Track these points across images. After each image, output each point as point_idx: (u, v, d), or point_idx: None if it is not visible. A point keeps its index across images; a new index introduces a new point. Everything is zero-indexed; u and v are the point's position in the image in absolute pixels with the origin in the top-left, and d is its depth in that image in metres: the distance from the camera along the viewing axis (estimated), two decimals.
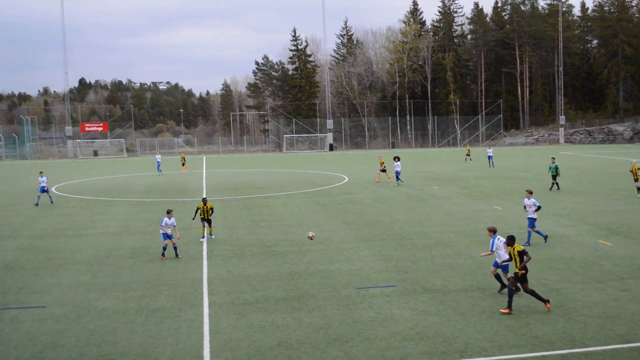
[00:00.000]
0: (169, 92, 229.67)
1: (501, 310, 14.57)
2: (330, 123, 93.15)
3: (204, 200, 23.52)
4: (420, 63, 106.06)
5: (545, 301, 14.73)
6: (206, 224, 23.49)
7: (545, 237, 22.14)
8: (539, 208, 22.10)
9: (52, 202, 34.99)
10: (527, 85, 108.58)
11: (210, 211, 23.29)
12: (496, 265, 16.21)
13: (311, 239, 19.71)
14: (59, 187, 44.26)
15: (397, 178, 40.76)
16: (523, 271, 14.71)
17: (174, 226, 20.76)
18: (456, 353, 12.26)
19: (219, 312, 14.97)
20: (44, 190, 34.92)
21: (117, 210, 32.34)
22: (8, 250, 22.59)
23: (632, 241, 22.14)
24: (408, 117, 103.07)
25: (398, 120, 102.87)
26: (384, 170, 42.96)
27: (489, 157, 54.28)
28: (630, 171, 33.03)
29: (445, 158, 66.76)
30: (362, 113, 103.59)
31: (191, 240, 23.62)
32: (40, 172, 36.05)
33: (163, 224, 20.56)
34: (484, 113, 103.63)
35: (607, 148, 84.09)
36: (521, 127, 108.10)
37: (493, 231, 16.37)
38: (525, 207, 22.37)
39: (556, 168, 35.96)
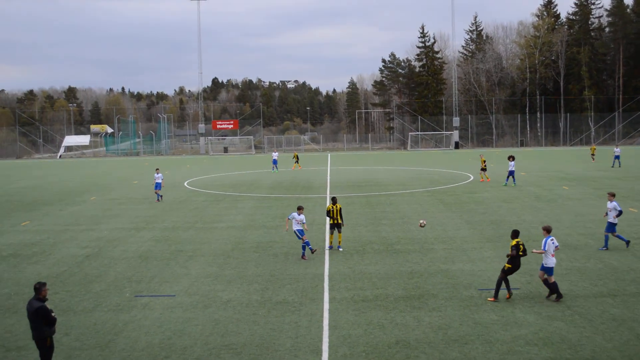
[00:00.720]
0: (297, 91, 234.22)
1: (488, 299, 15.01)
2: (456, 120, 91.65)
3: (334, 200, 21.64)
4: (552, 58, 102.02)
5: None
6: (335, 230, 21.34)
7: (628, 242, 20.65)
8: (620, 213, 20.56)
9: (159, 199, 35.25)
10: None
11: (339, 214, 21.03)
12: (543, 269, 15.58)
13: (422, 227, 19.56)
14: (190, 182, 46.45)
15: (507, 178, 39.08)
16: (509, 265, 15.40)
17: (303, 223, 20.54)
18: None
19: (338, 307, 15.18)
20: (159, 186, 35.37)
21: (243, 205, 33.48)
22: (143, 241, 23.99)
23: None
24: (538, 114, 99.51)
25: (527, 117, 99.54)
26: (484, 169, 41.60)
27: (616, 157, 51.09)
28: None
29: (577, 157, 63.84)
30: (490, 110, 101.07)
31: (313, 236, 24.02)
32: (157, 169, 36.71)
33: (290, 217, 20.60)
34: (621, 110, 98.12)
35: None
36: None
37: (548, 230, 15.84)
38: (607, 212, 20.85)
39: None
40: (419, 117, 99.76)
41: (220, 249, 22.10)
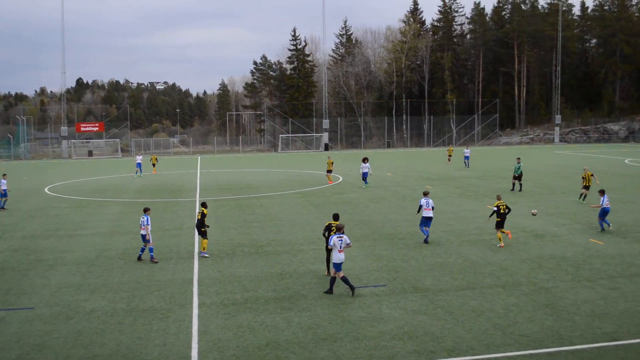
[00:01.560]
0: (166, 92, 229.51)
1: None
2: (326, 123, 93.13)
3: (204, 205, 21.58)
4: (418, 63, 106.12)
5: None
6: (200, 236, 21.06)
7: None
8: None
9: (2, 207, 32.87)
10: (525, 84, 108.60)
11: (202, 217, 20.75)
12: (334, 265, 16.16)
13: (534, 215, 22.84)
14: (51, 187, 44.20)
15: (364, 179, 39.79)
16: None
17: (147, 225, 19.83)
18: (444, 352, 12.28)
19: (208, 312, 14.97)
20: (2, 194, 32.90)
21: (109, 210, 32.30)
22: None
23: (623, 240, 22.20)
24: (404, 116, 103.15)
25: (394, 119, 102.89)
26: (330, 171, 42.33)
27: (466, 158, 53.82)
28: (583, 177, 31.49)
29: (440, 158, 66.71)
30: (359, 113, 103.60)
31: (183, 241, 23.60)
32: (4, 175, 34.04)
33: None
34: (480, 112, 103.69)
35: (601, 147, 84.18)
36: (517, 127, 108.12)
37: (338, 229, 16.58)
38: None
39: (520, 168, 35.81)
40: (290, 119, 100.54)
41: (83, 257, 21.17)
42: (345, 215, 28.56)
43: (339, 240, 16.15)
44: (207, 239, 21.05)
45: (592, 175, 31.38)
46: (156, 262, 19.93)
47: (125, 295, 16.47)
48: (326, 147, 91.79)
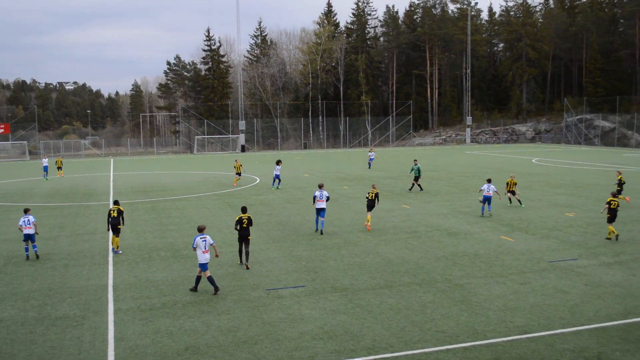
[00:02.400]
0: (76, 93, 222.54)
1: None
2: (242, 124, 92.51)
3: (117, 202, 22.25)
4: (333, 64, 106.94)
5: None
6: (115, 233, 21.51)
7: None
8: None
9: None
10: (437, 87, 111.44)
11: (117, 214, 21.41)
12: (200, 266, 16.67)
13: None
14: None
15: (274, 182, 39.75)
16: None
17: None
18: (364, 350, 12.44)
19: (124, 318, 14.61)
20: None
21: (17, 215, 30.95)
22: None
23: (532, 236, 23.11)
24: (320, 118, 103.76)
25: (310, 121, 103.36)
26: (239, 174, 42.30)
27: (370, 159, 54.51)
28: (507, 183, 31.53)
29: (356, 158, 67.56)
30: (275, 114, 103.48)
31: (96, 246, 22.94)
32: None
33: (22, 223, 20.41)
34: (394, 114, 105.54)
35: (510, 147, 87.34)
36: (430, 128, 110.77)
37: (199, 230, 16.99)
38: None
39: (418, 170, 36.81)
40: (206, 120, 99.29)
41: None
42: (263, 216, 28.53)
43: (203, 240, 16.46)
44: (119, 237, 21.57)
45: (515, 184, 31.63)
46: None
47: (37, 303, 15.86)
48: (243, 149, 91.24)
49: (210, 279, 16.36)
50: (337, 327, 13.73)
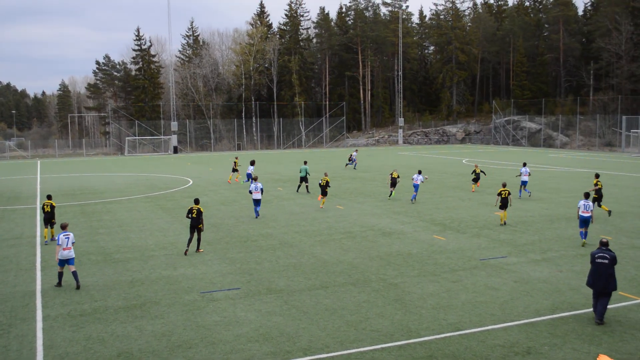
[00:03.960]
0: (0, 93, 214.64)
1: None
2: (174, 125, 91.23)
3: (49, 197, 23.98)
4: (266, 65, 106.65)
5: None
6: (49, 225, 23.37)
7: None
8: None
9: None
10: (369, 88, 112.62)
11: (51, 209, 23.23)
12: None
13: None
14: None
15: (248, 179, 40.63)
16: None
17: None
18: (300, 352, 12.44)
19: (54, 325, 14.18)
20: None
21: None
22: None
23: (463, 235, 23.63)
24: (254, 119, 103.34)
25: (244, 122, 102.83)
26: (236, 170, 44.14)
27: (353, 160, 55.00)
28: (474, 171, 37.95)
29: (290, 159, 67.61)
30: (208, 115, 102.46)
31: (23, 251, 22.20)
32: None
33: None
34: (327, 115, 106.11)
35: (441, 148, 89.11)
36: (363, 129, 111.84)
37: (62, 227, 17.94)
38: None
39: (306, 170, 37.35)
40: (137, 121, 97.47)
41: None
42: None
43: (66, 238, 17.13)
44: (53, 228, 23.35)
45: (481, 171, 38.10)
46: None
47: None
48: (175, 150, 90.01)
49: (74, 274, 17.04)
50: (273, 329, 13.69)
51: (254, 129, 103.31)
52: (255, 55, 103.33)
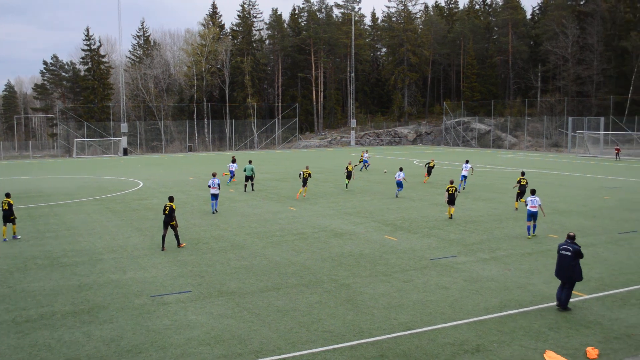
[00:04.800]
0: None
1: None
2: (124, 126, 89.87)
3: (7, 195, 24.58)
4: (218, 66, 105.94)
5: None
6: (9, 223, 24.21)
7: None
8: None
9: None
10: (322, 90, 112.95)
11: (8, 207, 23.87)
12: None
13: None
14: None
15: (230, 178, 43.56)
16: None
17: None
18: (252, 354, 12.38)
19: None
20: None
21: None
22: None
23: (414, 235, 23.87)
24: (206, 120, 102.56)
25: (196, 123, 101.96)
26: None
27: (365, 161, 54.97)
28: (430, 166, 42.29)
29: (243, 161, 67.22)
30: (159, 116, 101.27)
31: None
32: None
33: None
34: (280, 116, 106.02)
35: (393, 149, 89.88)
36: (315, 130, 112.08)
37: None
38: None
39: (252, 170, 38.13)
40: (86, 122, 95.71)
41: None
42: (147, 221, 27.84)
43: None
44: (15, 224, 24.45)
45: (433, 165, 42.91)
46: None
47: None
48: (125, 152, 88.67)
49: None
50: (224, 332, 13.59)
51: (206, 131, 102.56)
52: (207, 56, 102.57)
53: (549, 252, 20.83)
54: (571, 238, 15.14)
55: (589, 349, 12.42)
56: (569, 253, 14.91)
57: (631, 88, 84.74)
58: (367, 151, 57.74)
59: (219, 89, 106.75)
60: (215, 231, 25.17)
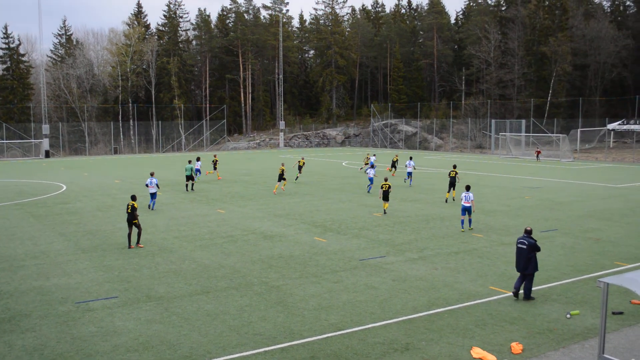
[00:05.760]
0: None
1: None
2: (46, 128, 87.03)
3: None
4: (144, 67, 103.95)
5: None
6: None
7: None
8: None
9: None
10: (250, 91, 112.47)
11: None
12: None
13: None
14: None
15: (197, 174, 44.59)
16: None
17: None
18: (181, 359, 12.19)
19: None
20: None
21: None
22: None
23: (343, 236, 24.05)
24: (132, 122, 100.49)
25: (121, 125, 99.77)
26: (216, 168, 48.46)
27: (371, 163, 55.10)
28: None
29: (170, 163, 66.29)
30: (82, 117, 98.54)
31: None
32: None
33: None
34: (208, 118, 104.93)
35: (322, 151, 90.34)
36: (244, 132, 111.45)
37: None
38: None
39: (191, 169, 39.15)
40: (4, 124, 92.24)
41: None
42: (71, 226, 27.05)
43: None
44: None
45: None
46: None
47: None
48: (47, 154, 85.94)
49: None
50: (153, 337, 13.34)
51: (132, 132, 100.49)
52: (132, 56, 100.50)
53: (474, 251, 21.39)
54: (528, 232, 16.09)
55: (513, 344, 12.80)
56: (524, 246, 15.77)
57: (550, 91, 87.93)
58: (374, 155, 57.06)
59: (144, 90, 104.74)
60: (142, 235, 24.65)
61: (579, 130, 78.96)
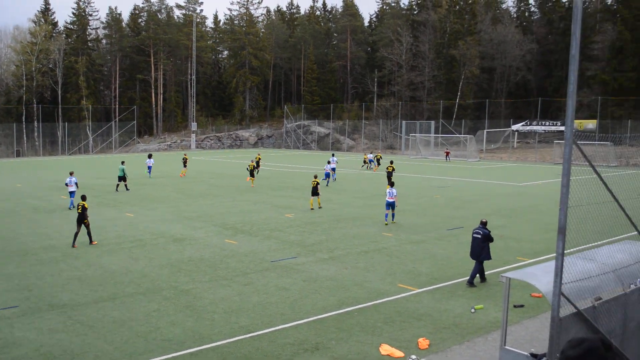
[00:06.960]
0: None
1: None
2: None
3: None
4: (50, 66, 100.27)
5: None
6: None
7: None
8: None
9: None
10: (162, 92, 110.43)
11: None
12: None
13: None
14: None
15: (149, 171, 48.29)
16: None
17: None
18: None
19: None
20: None
21: None
22: None
23: (255, 238, 23.98)
24: (36, 123, 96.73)
25: (24, 126, 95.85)
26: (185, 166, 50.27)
27: (370, 161, 58.15)
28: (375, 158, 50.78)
29: (77, 165, 64.20)
30: None
31: None
32: None
33: None
34: (117, 119, 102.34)
35: (235, 152, 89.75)
36: (155, 134, 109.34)
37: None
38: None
39: (123, 170, 39.56)
40: None
41: None
42: None
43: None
44: None
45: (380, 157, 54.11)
46: None
47: None
48: None
49: None
50: (56, 347, 12.86)
51: (36, 134, 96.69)
52: (38, 55, 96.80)
53: (384, 250, 21.75)
54: (483, 224, 17.50)
55: (420, 339, 13.10)
56: (479, 236, 17.18)
57: (459, 93, 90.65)
58: (372, 152, 61.27)
59: (50, 90, 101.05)
60: (45, 241, 23.78)
61: (485, 131, 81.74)
